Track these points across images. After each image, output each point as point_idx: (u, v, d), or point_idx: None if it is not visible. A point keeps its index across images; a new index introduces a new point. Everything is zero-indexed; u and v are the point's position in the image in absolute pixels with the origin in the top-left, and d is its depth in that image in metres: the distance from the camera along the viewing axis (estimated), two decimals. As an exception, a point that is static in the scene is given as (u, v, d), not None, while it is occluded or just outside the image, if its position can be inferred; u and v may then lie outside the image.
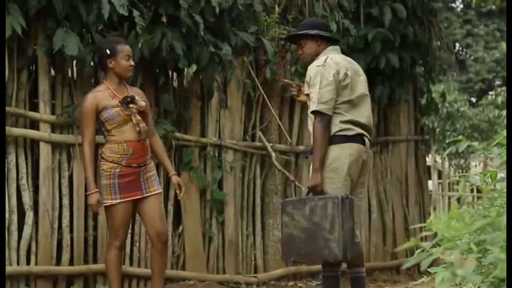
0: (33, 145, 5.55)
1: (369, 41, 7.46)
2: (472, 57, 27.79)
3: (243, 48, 6.63)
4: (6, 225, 5.26)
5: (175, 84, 6.49)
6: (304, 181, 7.01)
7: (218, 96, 6.58)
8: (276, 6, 7.12)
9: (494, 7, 22.71)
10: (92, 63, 5.57)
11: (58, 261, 5.58)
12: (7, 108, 5.23)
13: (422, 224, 2.13)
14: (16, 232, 5.34)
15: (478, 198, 13.82)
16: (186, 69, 6.25)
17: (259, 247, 6.98)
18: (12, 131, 5.33)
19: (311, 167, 4.55)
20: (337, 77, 4.50)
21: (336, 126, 4.49)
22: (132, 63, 4.71)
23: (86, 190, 5.28)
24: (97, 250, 5.79)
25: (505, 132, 2.59)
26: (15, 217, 5.34)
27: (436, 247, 2.13)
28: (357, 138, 4.54)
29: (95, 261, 5.78)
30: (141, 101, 4.67)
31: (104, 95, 4.62)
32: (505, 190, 2.45)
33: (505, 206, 2.41)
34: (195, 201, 6.43)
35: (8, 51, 5.21)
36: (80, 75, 5.75)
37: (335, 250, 4.29)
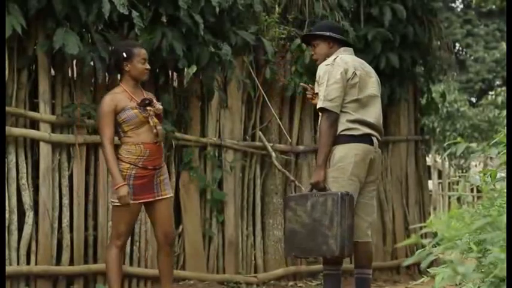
0: (33, 145, 5.56)
1: (369, 41, 7.46)
2: (472, 57, 27.79)
3: (243, 48, 6.63)
4: (6, 225, 5.26)
5: (175, 84, 6.49)
6: (304, 181, 7.01)
7: (218, 96, 6.58)
8: (276, 6, 7.12)
9: (494, 7, 22.70)
10: (92, 63, 5.57)
11: (58, 261, 5.58)
12: (7, 108, 5.23)
13: (422, 224, 2.13)
14: (16, 232, 5.35)
15: (478, 198, 13.83)
16: (186, 69, 6.26)
17: (259, 247, 6.98)
18: (12, 130, 5.33)
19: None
20: (344, 76, 4.52)
21: (342, 125, 4.51)
22: (148, 66, 4.76)
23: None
24: (97, 250, 5.79)
25: (504, 131, 2.59)
26: (15, 217, 5.34)
27: (436, 247, 2.13)
28: (364, 138, 4.54)
29: (95, 261, 5.78)
30: (158, 104, 4.73)
31: (122, 97, 4.66)
32: (505, 190, 2.45)
33: (505, 205, 2.41)
34: (195, 201, 6.43)
35: (8, 51, 5.22)
36: (79, 75, 5.76)
37: (333, 246, 4.32)
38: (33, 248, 5.43)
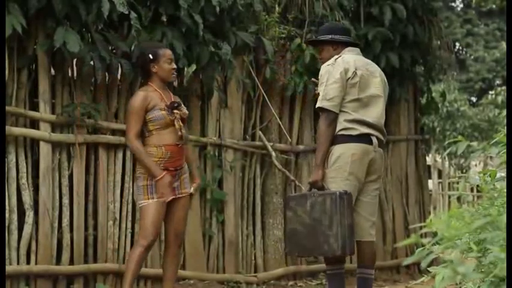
0: (33, 144, 5.55)
1: (369, 41, 7.46)
2: (472, 57, 27.80)
3: (243, 47, 6.63)
4: (6, 224, 5.26)
5: (175, 83, 6.49)
6: (304, 180, 7.01)
7: (218, 96, 6.58)
8: (276, 5, 7.12)
9: (494, 6, 22.70)
10: (91, 63, 5.57)
11: (58, 261, 5.58)
12: (7, 108, 5.23)
13: (422, 224, 2.13)
14: (16, 231, 5.34)
15: (478, 197, 13.83)
16: (186, 69, 6.25)
17: (259, 246, 6.98)
18: (12, 130, 5.33)
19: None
20: (344, 76, 4.52)
21: (340, 125, 4.52)
22: (175, 66, 4.80)
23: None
24: (97, 250, 5.79)
25: (504, 130, 2.59)
26: (15, 216, 5.33)
27: (436, 246, 2.13)
28: (362, 138, 4.54)
29: (95, 261, 5.78)
30: (185, 108, 4.78)
31: (154, 95, 4.69)
32: (505, 189, 2.45)
33: (505, 205, 2.41)
34: (195, 201, 6.43)
35: (8, 51, 5.21)
36: (79, 75, 5.75)
37: (334, 245, 4.35)
38: (33, 247, 5.43)
